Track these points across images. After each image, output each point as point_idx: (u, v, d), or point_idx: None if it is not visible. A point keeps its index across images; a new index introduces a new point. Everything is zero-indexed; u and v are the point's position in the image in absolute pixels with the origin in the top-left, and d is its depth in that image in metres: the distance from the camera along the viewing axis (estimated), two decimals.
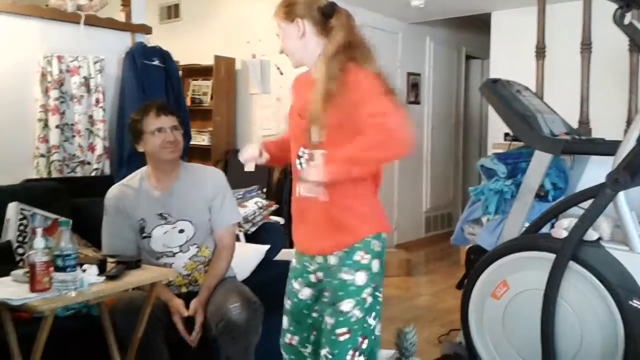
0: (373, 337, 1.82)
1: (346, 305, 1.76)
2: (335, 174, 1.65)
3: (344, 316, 1.76)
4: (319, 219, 1.81)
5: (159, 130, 2.34)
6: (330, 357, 1.78)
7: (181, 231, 2.39)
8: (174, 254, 2.39)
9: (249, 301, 2.25)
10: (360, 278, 1.77)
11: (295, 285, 1.93)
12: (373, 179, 1.85)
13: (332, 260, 1.81)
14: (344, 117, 1.71)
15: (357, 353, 1.79)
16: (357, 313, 1.77)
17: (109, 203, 2.41)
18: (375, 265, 1.81)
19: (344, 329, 1.77)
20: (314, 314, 1.90)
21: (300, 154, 1.84)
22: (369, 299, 1.80)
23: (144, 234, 2.38)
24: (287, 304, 1.96)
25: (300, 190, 1.84)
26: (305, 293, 1.91)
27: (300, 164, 1.84)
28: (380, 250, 1.82)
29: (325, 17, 1.81)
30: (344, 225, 1.79)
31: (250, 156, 1.97)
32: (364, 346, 1.79)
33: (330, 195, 1.76)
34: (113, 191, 2.43)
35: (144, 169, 2.46)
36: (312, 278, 1.89)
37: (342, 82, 1.72)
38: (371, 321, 1.81)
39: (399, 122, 1.64)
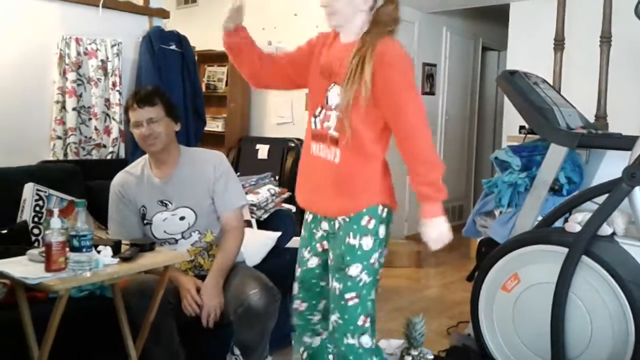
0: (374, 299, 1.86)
1: (354, 269, 1.78)
2: (440, 198, 1.86)
3: (352, 281, 1.78)
4: (327, 180, 1.83)
5: (136, 124, 2.32)
6: (340, 322, 1.80)
7: (182, 218, 2.39)
8: (176, 241, 2.40)
9: (267, 287, 2.26)
10: (367, 243, 1.79)
11: (305, 253, 1.97)
12: (383, 150, 1.86)
13: (337, 224, 1.82)
14: (373, 91, 1.74)
15: (368, 319, 1.82)
16: (365, 277, 1.79)
17: (114, 190, 2.43)
18: (382, 231, 1.83)
19: (353, 294, 1.79)
20: (322, 283, 1.94)
21: (317, 113, 1.86)
22: (376, 264, 1.82)
23: (145, 221, 2.40)
24: (298, 271, 1.99)
25: (316, 149, 1.86)
26: (313, 262, 1.94)
27: (315, 122, 1.86)
28: (386, 217, 1.84)
29: None
30: (349, 192, 1.81)
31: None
32: (373, 311, 1.83)
33: (341, 159, 1.78)
34: (117, 178, 2.45)
35: (146, 156, 2.46)
36: (319, 247, 1.92)
37: (376, 55, 1.73)
38: (371, 287, 1.84)
39: (424, 114, 1.76)
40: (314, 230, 1.93)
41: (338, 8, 1.78)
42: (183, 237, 2.40)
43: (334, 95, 1.80)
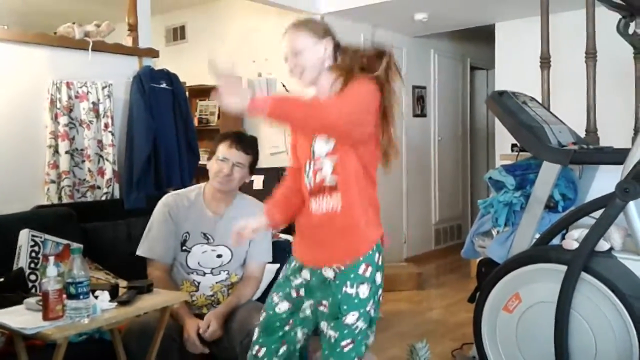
0: (369, 341, 1.87)
1: (351, 318, 1.79)
2: (261, 103, 1.61)
3: (349, 328, 1.80)
4: (332, 230, 1.84)
5: (223, 160, 2.41)
6: None
7: (219, 256, 2.46)
8: (204, 274, 2.46)
9: None
10: (363, 291, 1.80)
11: (275, 298, 1.95)
12: (373, 187, 1.87)
13: (332, 273, 1.83)
14: None
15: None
16: (361, 324, 1.81)
17: (161, 209, 2.50)
18: (378, 278, 1.84)
19: (349, 340, 1.80)
20: (286, 327, 1.92)
21: (307, 169, 1.88)
22: (372, 312, 1.84)
23: (184, 247, 2.46)
24: (262, 316, 1.97)
25: (316, 205, 1.86)
26: (283, 307, 1.92)
27: (308, 180, 1.88)
28: (381, 264, 1.86)
29: (337, 45, 1.88)
30: (353, 236, 1.82)
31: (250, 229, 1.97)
32: (364, 351, 1.85)
33: (343, 204, 1.81)
34: (169, 198, 2.53)
35: (202, 185, 2.55)
36: (294, 293, 1.92)
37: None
38: (369, 333, 1.86)
39: (343, 113, 1.69)
40: (292, 277, 1.93)
41: (304, 64, 1.84)
42: (212, 273, 2.46)
43: (320, 144, 1.83)
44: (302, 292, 1.90)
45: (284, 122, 1.80)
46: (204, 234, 2.46)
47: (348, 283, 1.79)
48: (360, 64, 1.83)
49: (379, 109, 1.78)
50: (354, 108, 1.72)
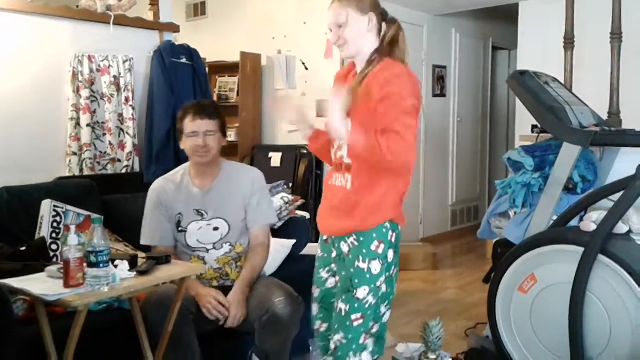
0: (383, 322, 1.91)
1: (361, 292, 1.83)
2: (344, 132, 1.72)
3: (359, 302, 1.83)
4: (340, 204, 1.89)
5: (192, 134, 2.39)
6: (344, 342, 1.86)
7: (216, 229, 2.45)
8: (207, 251, 2.45)
9: (292, 295, 2.29)
10: (375, 267, 1.83)
11: (323, 273, 2.01)
12: (397, 175, 1.88)
13: (347, 248, 1.87)
14: (371, 106, 1.79)
15: (367, 336, 1.87)
16: (371, 299, 1.84)
17: (151, 195, 2.50)
18: (390, 255, 1.87)
19: (358, 314, 1.84)
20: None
21: (334, 145, 1.95)
22: (383, 287, 1.87)
23: (180, 228, 2.46)
24: (316, 292, 2.04)
25: (334, 178, 1.94)
26: (332, 282, 1.99)
27: (332, 153, 1.96)
28: (395, 241, 1.88)
29: (383, 18, 1.91)
30: (359, 214, 1.85)
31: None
32: (374, 330, 1.88)
33: (352, 185, 1.85)
34: (156, 185, 2.52)
35: (187, 164, 2.53)
36: (334, 267, 1.97)
37: (376, 75, 1.80)
38: (382, 309, 1.89)
39: (404, 149, 1.71)
40: (330, 250, 1.98)
41: (347, 38, 1.86)
42: (214, 248, 2.45)
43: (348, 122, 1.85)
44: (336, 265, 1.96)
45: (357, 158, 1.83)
46: (197, 211, 2.44)
47: (360, 258, 1.83)
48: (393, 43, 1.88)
49: None
50: (411, 142, 1.74)
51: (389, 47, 1.88)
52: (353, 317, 1.83)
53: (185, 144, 2.43)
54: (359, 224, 1.84)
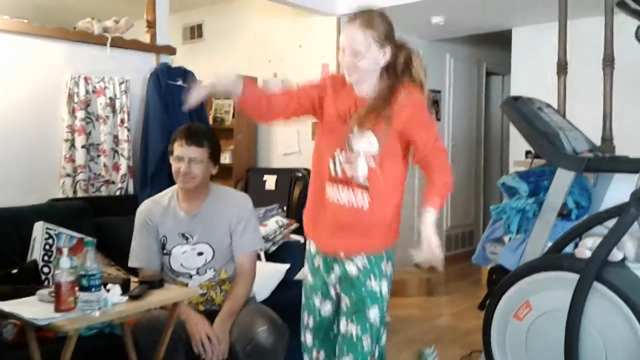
0: (381, 345, 1.91)
1: (373, 313, 1.83)
2: (436, 215, 1.84)
3: (370, 323, 1.82)
4: (355, 224, 1.86)
5: (178, 159, 2.36)
6: None
7: (200, 253, 2.41)
8: (190, 276, 2.42)
9: (275, 324, 2.26)
10: (384, 287, 1.85)
11: (316, 301, 1.96)
12: (402, 192, 1.94)
13: (355, 269, 1.84)
14: (399, 130, 1.84)
15: (373, 359, 1.87)
16: (378, 320, 1.85)
17: (138, 217, 2.48)
18: (390, 273, 1.90)
19: (368, 335, 1.83)
20: (336, 327, 1.95)
21: (335, 154, 1.88)
22: (384, 308, 1.88)
23: (165, 251, 2.43)
24: (310, 321, 1.98)
25: (334, 192, 1.89)
26: (327, 308, 1.96)
27: (334, 165, 1.89)
28: (394, 263, 1.92)
29: (396, 47, 1.91)
30: (376, 236, 1.86)
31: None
32: (376, 354, 1.88)
33: (370, 206, 1.85)
34: (144, 206, 2.50)
35: (175, 187, 2.49)
36: (332, 291, 1.93)
37: (394, 100, 1.84)
38: (381, 332, 1.91)
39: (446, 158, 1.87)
40: (326, 274, 1.94)
41: (361, 68, 1.84)
42: (198, 273, 2.42)
43: (359, 141, 1.84)
44: (338, 287, 1.92)
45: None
46: (182, 234, 2.41)
47: (372, 277, 1.83)
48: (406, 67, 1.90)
49: None
50: (445, 154, 1.93)
51: (403, 72, 1.89)
52: (364, 338, 1.82)
53: (172, 167, 2.39)
54: (375, 244, 1.85)
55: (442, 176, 1.88)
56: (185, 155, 2.34)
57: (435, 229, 1.83)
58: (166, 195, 2.51)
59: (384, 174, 1.83)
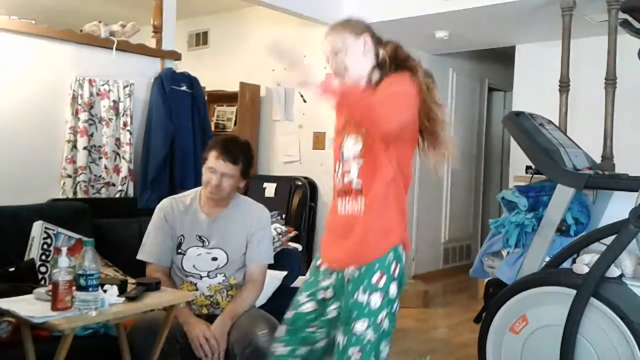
0: (381, 358, 1.82)
1: (360, 325, 1.76)
2: (331, 89, 1.70)
3: (357, 337, 1.77)
4: (352, 232, 1.83)
5: (210, 170, 2.37)
6: None
7: (214, 259, 2.44)
8: (200, 277, 2.44)
9: (275, 328, 2.25)
10: (375, 300, 1.76)
11: (302, 297, 1.94)
12: (405, 189, 1.87)
13: (347, 278, 1.82)
14: None
15: None
16: (371, 335, 1.76)
17: (158, 212, 2.50)
18: (393, 289, 1.80)
19: (356, 349, 1.77)
20: (311, 329, 1.90)
21: (336, 169, 1.90)
22: (385, 323, 1.79)
23: (180, 250, 2.45)
24: (290, 313, 1.95)
25: (342, 205, 1.87)
26: (308, 307, 1.91)
27: (337, 178, 1.89)
28: (398, 274, 1.81)
29: (378, 42, 1.91)
30: (370, 241, 1.81)
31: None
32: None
33: (365, 209, 1.80)
34: (165, 202, 2.52)
35: (199, 189, 2.52)
36: (320, 294, 1.90)
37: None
38: (382, 347, 1.80)
39: (395, 118, 1.70)
40: (321, 278, 1.92)
41: (345, 63, 1.86)
42: (208, 276, 2.44)
43: (348, 146, 1.85)
44: (329, 293, 1.89)
45: (343, 111, 1.83)
46: (199, 237, 2.44)
47: (361, 289, 1.77)
48: (397, 60, 1.87)
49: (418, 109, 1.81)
50: (403, 110, 1.74)
51: (391, 64, 1.87)
52: (350, 351, 1.76)
53: (204, 174, 2.41)
54: (368, 253, 1.80)
55: (376, 99, 1.71)
56: (219, 170, 2.36)
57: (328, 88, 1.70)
58: (189, 195, 2.53)
59: (371, 173, 1.80)
